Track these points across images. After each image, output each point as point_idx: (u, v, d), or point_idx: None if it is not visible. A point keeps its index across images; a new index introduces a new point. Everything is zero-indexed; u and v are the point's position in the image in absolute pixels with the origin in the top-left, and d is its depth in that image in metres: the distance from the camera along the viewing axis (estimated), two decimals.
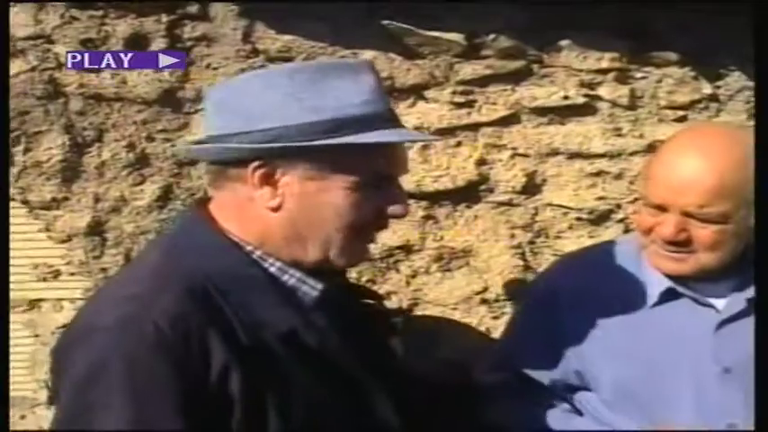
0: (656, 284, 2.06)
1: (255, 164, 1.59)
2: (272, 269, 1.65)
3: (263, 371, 1.55)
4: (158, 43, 2.49)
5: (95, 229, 2.60)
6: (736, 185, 1.88)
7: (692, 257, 1.96)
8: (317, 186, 1.60)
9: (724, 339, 2.00)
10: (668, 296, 2.05)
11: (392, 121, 1.66)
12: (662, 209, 1.95)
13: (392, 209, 1.68)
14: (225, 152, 1.61)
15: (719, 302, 2.03)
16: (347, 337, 1.70)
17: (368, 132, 1.59)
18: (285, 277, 1.65)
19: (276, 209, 1.62)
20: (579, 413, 2.19)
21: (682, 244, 1.95)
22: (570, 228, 2.68)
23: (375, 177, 1.63)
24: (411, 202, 2.57)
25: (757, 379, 1.73)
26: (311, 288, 1.66)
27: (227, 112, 1.62)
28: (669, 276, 2.03)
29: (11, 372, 2.63)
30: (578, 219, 2.67)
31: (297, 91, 1.57)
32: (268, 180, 1.60)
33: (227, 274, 1.60)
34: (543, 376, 2.18)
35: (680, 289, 2.03)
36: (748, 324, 1.96)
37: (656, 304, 2.05)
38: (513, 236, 2.68)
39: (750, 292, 1.98)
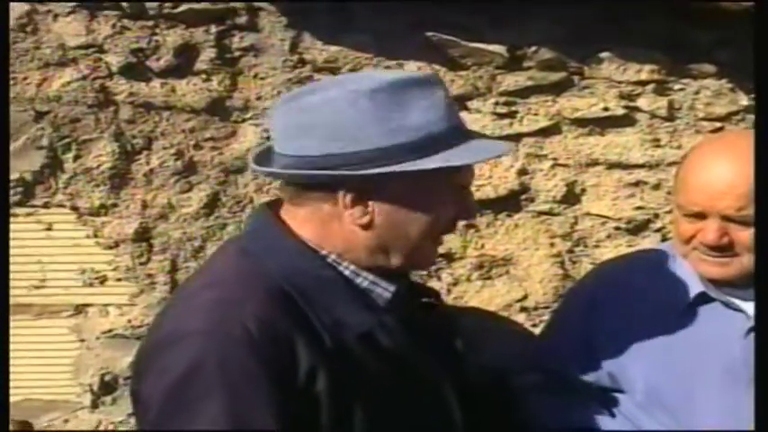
0: (688, 289, 2.02)
1: (347, 187, 1.57)
2: (347, 272, 1.63)
3: (345, 370, 1.54)
4: (207, 53, 2.47)
5: (143, 235, 2.58)
6: None
7: (736, 260, 1.93)
8: (405, 204, 1.59)
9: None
10: (700, 301, 2.01)
11: (468, 132, 1.66)
12: (701, 216, 1.92)
13: (465, 215, 1.71)
14: (316, 177, 1.58)
15: (749, 308, 1.98)
16: (414, 335, 1.69)
17: (451, 150, 1.58)
18: (359, 280, 1.63)
19: (366, 226, 1.60)
20: (612, 415, 2.14)
21: (724, 248, 1.92)
22: (609, 237, 2.64)
23: (455, 190, 1.64)
24: None
25: (757, 379, 1.70)
26: (384, 290, 1.64)
27: (307, 133, 1.58)
28: (710, 281, 1.99)
29: (55, 376, 2.67)
30: (617, 228, 2.63)
31: (380, 111, 1.54)
32: (359, 201, 1.58)
33: (305, 276, 1.59)
34: (578, 378, 2.14)
35: (712, 294, 2.00)
36: None
37: (688, 309, 2.02)
38: (552, 245, 2.64)
39: None
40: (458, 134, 1.61)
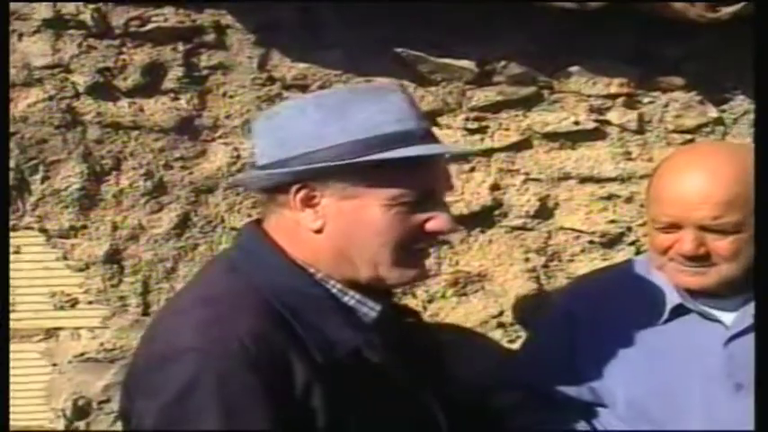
0: (665, 301, 1.97)
1: (295, 187, 1.53)
2: (334, 290, 1.58)
3: (337, 387, 1.50)
4: (175, 72, 2.34)
5: (113, 257, 2.43)
6: (744, 194, 1.81)
7: (714, 270, 1.88)
8: (354, 205, 1.53)
9: (734, 355, 1.91)
10: (678, 312, 1.96)
11: (426, 138, 1.58)
12: (676, 227, 1.86)
13: (432, 225, 1.58)
14: (265, 179, 1.57)
15: (728, 318, 1.94)
16: (398, 353, 1.64)
17: (398, 149, 1.51)
18: (346, 298, 1.59)
19: (319, 230, 1.55)
20: (594, 429, 2.08)
21: (702, 258, 1.86)
22: (583, 251, 2.53)
23: (412, 194, 1.54)
24: None
25: (757, 381, 1.65)
26: (370, 309, 1.60)
27: (265, 143, 1.59)
28: (688, 291, 1.93)
29: (26, 401, 2.51)
30: (591, 242, 2.52)
31: (326, 116, 1.51)
32: (309, 203, 1.55)
33: (295, 293, 1.54)
34: (558, 393, 2.08)
35: (689, 305, 1.94)
36: None
37: (666, 321, 1.96)
38: (527, 260, 2.52)
39: None
40: (414, 138, 1.54)
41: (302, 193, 1.53)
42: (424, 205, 1.56)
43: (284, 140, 1.54)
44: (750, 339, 1.87)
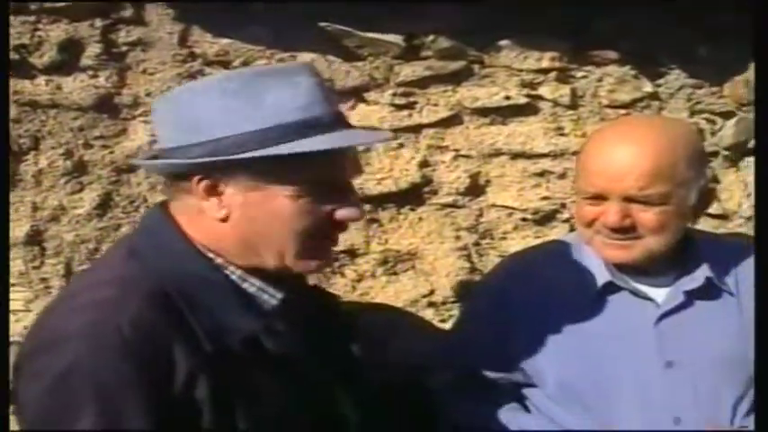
0: (596, 279, 1.93)
1: (198, 177, 1.46)
2: (233, 277, 1.52)
3: (228, 376, 1.44)
4: (93, 48, 2.25)
5: (34, 238, 2.34)
6: (671, 166, 1.79)
7: (639, 243, 1.85)
8: (260, 196, 1.46)
9: (665, 333, 1.88)
10: (609, 290, 1.92)
11: (335, 124, 1.49)
12: (602, 198, 1.83)
13: (341, 213, 1.52)
14: (168, 167, 1.51)
15: (659, 295, 1.91)
16: (308, 340, 1.60)
17: (305, 139, 1.43)
18: (245, 285, 1.53)
19: (224, 219, 1.48)
20: (526, 409, 2.04)
21: (627, 230, 1.84)
22: (515, 228, 2.47)
23: (320, 183, 1.48)
24: None
25: (757, 379, 1.66)
26: (271, 297, 1.54)
27: (166, 126, 1.51)
28: (614, 268, 1.90)
29: None
30: (523, 219, 2.46)
31: (230, 101, 1.44)
32: (213, 192, 1.47)
33: (191, 278, 1.48)
34: (490, 373, 2.04)
35: (619, 282, 1.91)
36: (689, 317, 1.89)
37: (596, 299, 1.93)
38: (458, 238, 2.45)
39: (688, 284, 1.89)
40: (322, 124, 1.46)
41: (204, 184, 1.47)
42: (332, 194, 1.51)
43: (185, 126, 1.47)
44: (681, 317, 1.87)
